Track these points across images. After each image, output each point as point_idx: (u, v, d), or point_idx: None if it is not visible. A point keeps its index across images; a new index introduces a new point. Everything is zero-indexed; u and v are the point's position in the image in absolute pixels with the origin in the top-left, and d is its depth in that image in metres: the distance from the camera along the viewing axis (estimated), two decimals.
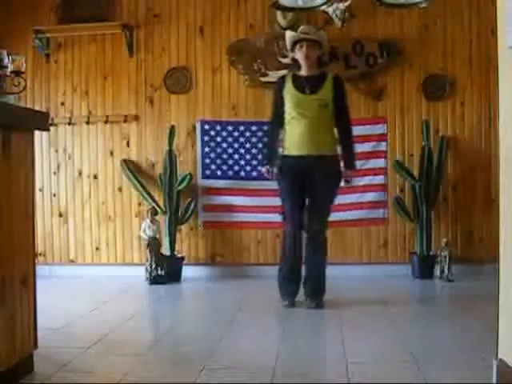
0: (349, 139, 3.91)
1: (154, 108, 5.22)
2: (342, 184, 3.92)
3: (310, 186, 3.78)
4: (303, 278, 3.90)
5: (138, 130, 5.24)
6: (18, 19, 5.22)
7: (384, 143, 5.05)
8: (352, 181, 4.01)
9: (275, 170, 3.93)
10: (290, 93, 3.82)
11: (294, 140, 3.80)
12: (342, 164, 3.92)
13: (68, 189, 5.31)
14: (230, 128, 5.12)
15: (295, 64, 3.91)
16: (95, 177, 5.28)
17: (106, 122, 5.24)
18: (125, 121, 5.22)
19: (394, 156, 5.02)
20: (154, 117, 5.21)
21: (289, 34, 3.87)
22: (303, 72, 3.87)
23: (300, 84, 3.82)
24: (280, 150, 3.93)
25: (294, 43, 3.82)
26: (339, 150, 3.89)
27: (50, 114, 4.92)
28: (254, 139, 5.06)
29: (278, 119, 3.90)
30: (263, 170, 4.01)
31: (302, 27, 3.92)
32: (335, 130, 3.89)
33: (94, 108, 5.26)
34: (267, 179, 4.08)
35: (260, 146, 4.99)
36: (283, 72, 4.34)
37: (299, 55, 3.82)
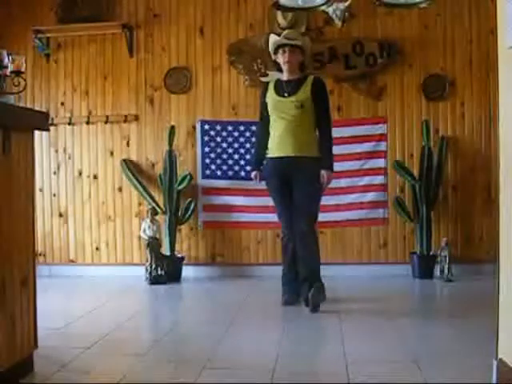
0: (326, 141, 3.89)
1: (154, 108, 5.22)
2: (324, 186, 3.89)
3: (292, 186, 3.85)
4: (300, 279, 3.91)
5: (137, 130, 5.24)
6: (18, 19, 5.22)
7: (384, 143, 5.05)
8: (328, 183, 3.87)
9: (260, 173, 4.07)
10: (270, 97, 3.92)
11: (274, 142, 3.89)
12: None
13: (68, 189, 5.31)
14: (229, 128, 5.13)
15: (277, 67, 3.98)
16: (95, 177, 5.28)
17: (106, 122, 5.24)
18: (125, 121, 5.22)
19: (393, 156, 5.02)
20: (153, 117, 5.22)
21: (272, 39, 3.91)
22: (284, 76, 3.92)
23: (280, 88, 3.90)
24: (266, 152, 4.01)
25: (277, 47, 3.87)
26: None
27: (50, 114, 4.93)
28: (253, 139, 5.05)
29: (264, 124, 3.99)
30: (252, 174, 4.12)
31: (285, 32, 3.96)
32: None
33: (94, 108, 5.27)
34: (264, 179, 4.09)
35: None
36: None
37: (281, 59, 3.89)
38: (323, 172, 3.82)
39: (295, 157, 3.82)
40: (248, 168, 5.04)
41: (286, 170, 3.85)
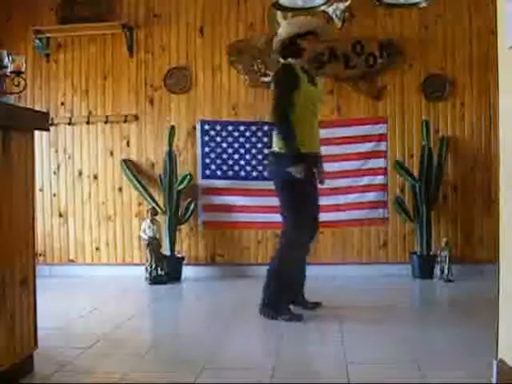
0: None
1: (154, 108, 5.22)
2: (320, 186, 3.77)
3: (314, 184, 3.69)
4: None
5: (137, 130, 5.24)
6: (18, 19, 5.22)
7: (384, 143, 5.05)
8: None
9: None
10: (304, 84, 3.47)
11: (309, 135, 3.50)
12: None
13: (68, 189, 5.31)
14: (230, 128, 5.12)
15: (290, 51, 3.52)
16: (95, 177, 5.28)
17: (106, 122, 5.24)
18: (125, 121, 5.22)
19: (394, 156, 5.02)
20: (153, 117, 5.22)
21: (307, 20, 3.54)
22: (302, 63, 3.58)
23: (307, 76, 3.54)
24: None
25: (309, 32, 3.50)
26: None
27: (50, 114, 4.93)
28: (253, 139, 5.06)
29: (289, 112, 3.43)
30: (300, 168, 3.38)
31: (317, 19, 3.75)
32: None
33: (94, 108, 5.27)
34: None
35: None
36: None
37: (306, 45, 3.50)
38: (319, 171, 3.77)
39: (319, 153, 3.69)
40: (248, 168, 5.06)
41: (314, 167, 3.63)
